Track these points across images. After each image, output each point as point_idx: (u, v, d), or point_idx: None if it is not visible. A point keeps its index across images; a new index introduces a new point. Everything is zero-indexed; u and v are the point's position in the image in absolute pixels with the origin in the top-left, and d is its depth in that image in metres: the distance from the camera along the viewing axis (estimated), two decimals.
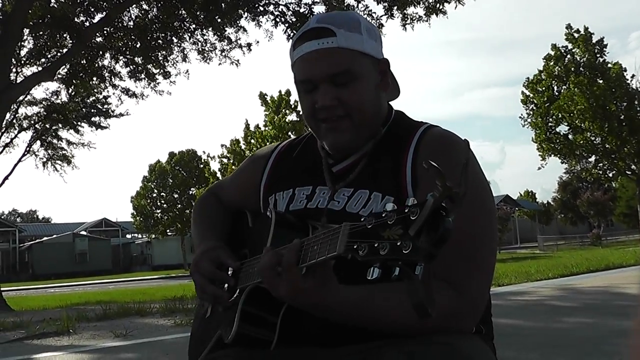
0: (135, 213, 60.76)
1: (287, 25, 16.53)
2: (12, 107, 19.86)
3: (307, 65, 1.64)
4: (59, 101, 23.71)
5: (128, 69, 18.13)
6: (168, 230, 60.51)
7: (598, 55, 37.52)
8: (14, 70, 17.11)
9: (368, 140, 1.70)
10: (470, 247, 1.49)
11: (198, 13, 16.67)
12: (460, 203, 1.03)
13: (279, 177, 1.85)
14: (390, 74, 1.74)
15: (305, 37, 1.64)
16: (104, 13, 16.38)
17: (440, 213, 1.02)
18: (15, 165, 25.74)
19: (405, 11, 16.26)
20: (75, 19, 16.31)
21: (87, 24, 16.46)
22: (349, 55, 1.61)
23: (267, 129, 37.65)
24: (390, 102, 1.82)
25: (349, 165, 1.71)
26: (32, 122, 25.23)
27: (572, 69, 37.26)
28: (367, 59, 1.65)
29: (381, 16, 16.42)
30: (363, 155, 1.69)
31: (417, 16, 16.32)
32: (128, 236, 76.52)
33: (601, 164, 40.44)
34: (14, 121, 24.24)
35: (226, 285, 1.65)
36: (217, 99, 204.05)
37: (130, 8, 16.72)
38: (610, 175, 42.31)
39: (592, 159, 40.66)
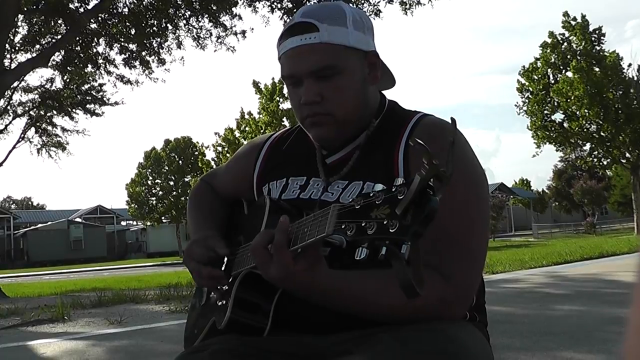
0: (130, 200, 60.76)
1: (283, 11, 16.48)
2: (6, 94, 19.79)
3: (291, 62, 1.64)
4: (53, 88, 23.63)
5: (122, 56, 18.09)
6: (163, 218, 60.55)
7: (595, 44, 37.51)
8: (7, 56, 17.05)
9: (360, 131, 1.70)
10: (461, 233, 1.49)
11: (193, 0, 16.61)
12: (448, 182, 1.03)
13: (272, 166, 1.85)
14: (380, 65, 1.72)
15: (289, 33, 1.63)
16: None
17: (426, 192, 1.02)
18: (10, 152, 25.74)
19: None
20: (70, 5, 16.22)
21: (81, 10, 16.37)
22: (332, 50, 1.60)
23: (260, 116, 37.63)
24: (385, 91, 1.82)
25: (342, 157, 1.71)
26: (27, 108, 25.16)
27: (569, 56, 37.22)
28: (352, 52, 1.63)
29: (379, 1, 16.37)
30: (356, 148, 1.70)
31: (416, 1, 16.25)
32: (123, 223, 76.56)
33: (596, 152, 40.50)
34: (8, 108, 24.18)
35: (223, 267, 1.66)
36: (211, 86, 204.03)
37: None
38: (605, 163, 42.39)
39: (587, 147, 40.75)
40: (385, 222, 1.04)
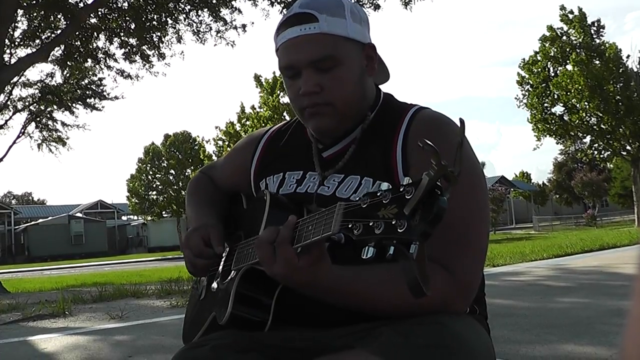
0: (130, 195, 60.74)
1: (283, 4, 16.44)
2: (6, 89, 19.76)
3: (290, 52, 1.63)
4: (53, 83, 23.59)
5: (122, 50, 18.07)
6: (164, 212, 60.54)
7: (595, 36, 37.40)
8: (7, 51, 17.02)
9: (356, 125, 1.70)
10: (463, 229, 1.49)
11: None
12: (455, 182, 1.03)
13: (269, 161, 1.85)
14: (377, 58, 1.72)
15: (288, 23, 1.63)
16: None
17: (435, 192, 1.01)
18: (10, 147, 25.66)
19: None
20: (69, 0, 16.20)
21: (81, 4, 16.35)
22: (332, 40, 1.60)
23: (262, 110, 37.58)
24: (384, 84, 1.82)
25: (338, 151, 1.71)
26: (27, 103, 25.10)
27: (569, 49, 37.11)
28: (351, 43, 1.63)
29: None
30: (352, 141, 1.69)
31: None
32: (124, 218, 76.50)
33: (596, 145, 40.43)
34: (8, 103, 24.13)
35: (221, 264, 1.66)
36: (212, 80, 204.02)
37: None
38: (605, 155, 42.32)
39: (587, 139, 40.67)
40: (393, 222, 1.04)
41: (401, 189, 1.05)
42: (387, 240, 1.05)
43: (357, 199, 1.13)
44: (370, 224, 1.07)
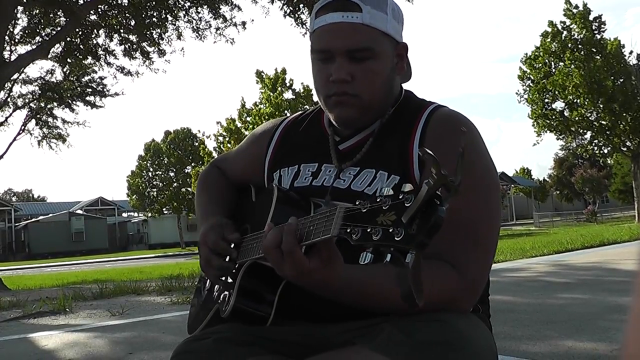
0: (130, 192, 60.77)
1: (283, 1, 16.42)
2: (6, 86, 19.76)
3: (328, 36, 1.63)
4: (53, 80, 23.59)
5: (122, 47, 18.06)
6: (164, 209, 60.57)
7: (595, 32, 37.36)
8: (7, 48, 17.02)
9: (376, 119, 1.70)
10: (473, 229, 1.50)
11: None
12: (456, 192, 1.02)
13: (284, 152, 1.84)
14: (407, 58, 1.74)
15: (330, 8, 1.63)
16: None
17: (434, 201, 1.01)
18: (10, 144, 25.68)
19: None
20: None
21: (80, 1, 16.33)
22: (371, 33, 1.60)
23: (263, 107, 37.57)
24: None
25: (355, 143, 1.71)
26: (27, 100, 25.10)
27: (569, 45, 37.09)
28: (387, 39, 1.64)
29: None
30: (370, 135, 1.70)
31: None
32: (124, 215, 76.60)
33: (596, 141, 40.40)
34: (9, 100, 24.12)
35: (228, 257, 1.65)
36: (213, 77, 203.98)
37: None
38: (606, 151, 42.29)
39: (588, 135, 40.63)
40: (390, 230, 1.04)
41: (400, 196, 1.05)
42: (384, 247, 1.05)
43: (358, 202, 1.13)
44: (369, 230, 1.07)
